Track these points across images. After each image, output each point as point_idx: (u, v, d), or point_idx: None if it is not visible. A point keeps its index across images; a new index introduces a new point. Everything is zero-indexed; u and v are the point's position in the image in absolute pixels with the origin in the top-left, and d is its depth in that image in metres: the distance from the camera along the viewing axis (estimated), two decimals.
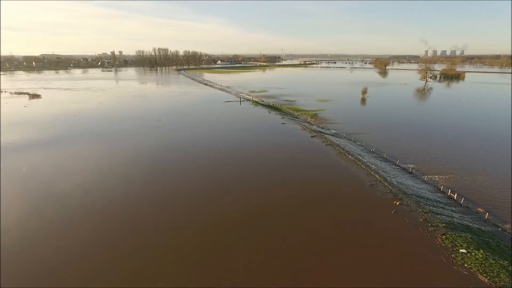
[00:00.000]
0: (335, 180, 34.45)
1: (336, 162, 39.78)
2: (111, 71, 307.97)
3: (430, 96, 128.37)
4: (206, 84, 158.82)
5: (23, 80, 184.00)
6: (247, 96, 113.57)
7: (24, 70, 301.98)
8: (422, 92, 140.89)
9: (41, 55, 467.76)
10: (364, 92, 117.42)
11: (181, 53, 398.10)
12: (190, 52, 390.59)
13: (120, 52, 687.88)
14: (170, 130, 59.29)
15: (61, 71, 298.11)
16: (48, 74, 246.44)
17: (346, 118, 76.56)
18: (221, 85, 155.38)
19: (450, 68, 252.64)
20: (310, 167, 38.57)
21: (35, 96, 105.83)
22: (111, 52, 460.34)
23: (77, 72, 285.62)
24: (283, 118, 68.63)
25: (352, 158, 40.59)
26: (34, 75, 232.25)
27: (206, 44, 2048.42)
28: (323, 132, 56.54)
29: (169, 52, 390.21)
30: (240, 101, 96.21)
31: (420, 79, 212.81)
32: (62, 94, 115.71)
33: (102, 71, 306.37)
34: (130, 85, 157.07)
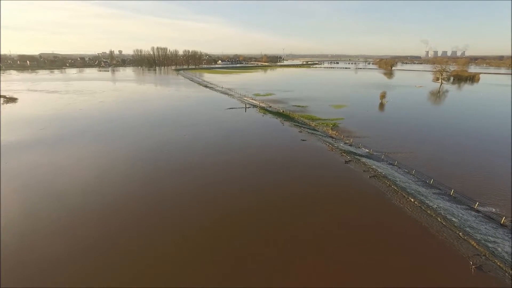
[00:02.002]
0: (418, 255, 21.90)
1: (398, 211, 27.40)
2: (108, 71, 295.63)
3: (458, 100, 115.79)
4: (206, 86, 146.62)
5: (11, 80, 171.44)
6: (252, 101, 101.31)
7: (16, 70, 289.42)
8: (440, 95, 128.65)
9: (40, 54, 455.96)
10: (383, 96, 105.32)
11: (180, 52, 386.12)
12: (190, 51, 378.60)
13: (120, 51, 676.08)
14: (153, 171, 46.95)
15: (56, 71, 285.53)
16: (41, 74, 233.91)
17: (372, 129, 64.36)
18: (222, 87, 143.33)
19: (462, 69, 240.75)
20: (366, 218, 26.19)
21: (10, 99, 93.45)
22: (110, 51, 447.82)
23: (72, 72, 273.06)
24: (301, 131, 56.36)
25: (416, 202, 28.46)
26: (25, 75, 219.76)
27: (207, 43, 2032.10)
28: (355, 153, 44.37)
29: (168, 51, 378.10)
30: (246, 107, 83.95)
31: (432, 81, 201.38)
32: (44, 97, 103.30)
33: (98, 71, 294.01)
34: (124, 87, 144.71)
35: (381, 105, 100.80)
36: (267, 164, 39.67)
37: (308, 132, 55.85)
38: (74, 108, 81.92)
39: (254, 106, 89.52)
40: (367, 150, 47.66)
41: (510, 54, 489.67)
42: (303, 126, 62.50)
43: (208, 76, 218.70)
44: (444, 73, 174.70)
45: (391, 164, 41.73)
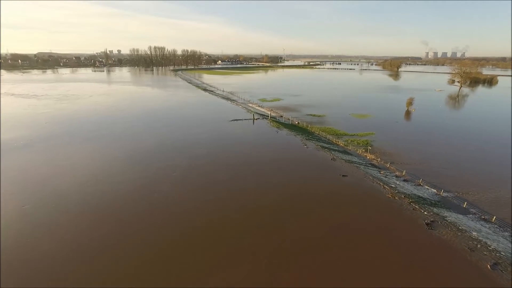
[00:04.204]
0: None
1: None
2: (103, 71, 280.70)
3: (497, 107, 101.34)
4: (205, 89, 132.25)
5: None
6: (260, 109, 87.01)
7: (6, 69, 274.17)
8: (468, 101, 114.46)
9: (38, 53, 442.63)
10: (410, 103, 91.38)
11: (179, 52, 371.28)
12: (189, 51, 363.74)
13: (119, 51, 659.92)
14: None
15: (48, 71, 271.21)
16: (31, 74, 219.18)
17: (418, 150, 50.19)
18: (223, 91, 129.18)
19: (476, 71, 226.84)
20: None
21: None
22: (109, 51, 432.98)
23: (65, 72, 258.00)
24: (334, 159, 41.53)
25: None
26: (12, 75, 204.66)
27: (206, 43, 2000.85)
28: (423, 199, 30.21)
29: (166, 51, 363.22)
30: (253, 119, 69.60)
31: (448, 84, 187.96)
32: (16, 103, 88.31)
33: (93, 71, 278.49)
34: (115, 90, 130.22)
35: (408, 114, 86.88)
36: (306, 230, 25.28)
37: (343, 159, 41.47)
38: (39, 120, 65.52)
39: (263, 115, 75.19)
40: (434, 190, 33.53)
41: (511, 56, 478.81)
42: (332, 147, 48.26)
43: (207, 78, 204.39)
44: (464, 76, 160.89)
45: (486, 220, 27.42)
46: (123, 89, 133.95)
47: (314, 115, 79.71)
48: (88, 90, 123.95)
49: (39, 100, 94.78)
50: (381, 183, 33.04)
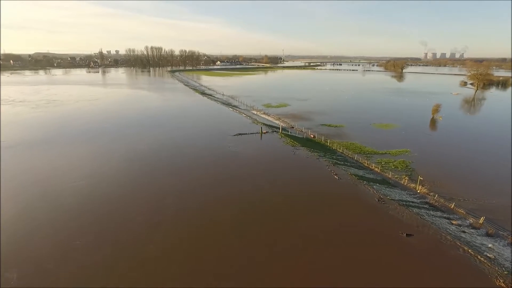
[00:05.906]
0: None
1: None
2: (98, 72, 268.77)
3: None
4: (203, 93, 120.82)
5: None
6: (266, 118, 75.66)
7: None
8: (494, 105, 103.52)
9: (35, 53, 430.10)
10: (436, 110, 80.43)
11: (176, 52, 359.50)
12: (187, 51, 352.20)
13: (117, 51, 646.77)
14: None
15: (41, 72, 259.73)
16: (21, 75, 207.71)
17: (471, 175, 39.54)
18: (223, 94, 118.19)
19: (486, 73, 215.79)
20: None
21: None
22: (107, 51, 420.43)
23: (57, 73, 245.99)
24: (380, 198, 29.98)
25: None
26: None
27: (206, 44, 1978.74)
28: None
29: (163, 51, 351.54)
30: (261, 132, 58.06)
31: (460, 86, 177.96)
32: None
33: (87, 72, 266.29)
34: (105, 95, 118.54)
35: (433, 122, 75.98)
36: None
37: (393, 200, 30.14)
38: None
39: (271, 127, 63.85)
40: None
41: (511, 56, 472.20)
42: (366, 175, 37.03)
43: (206, 79, 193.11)
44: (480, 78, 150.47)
45: None
46: (115, 93, 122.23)
47: (330, 126, 68.57)
48: (75, 94, 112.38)
49: (14, 107, 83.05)
50: (469, 250, 21.79)
